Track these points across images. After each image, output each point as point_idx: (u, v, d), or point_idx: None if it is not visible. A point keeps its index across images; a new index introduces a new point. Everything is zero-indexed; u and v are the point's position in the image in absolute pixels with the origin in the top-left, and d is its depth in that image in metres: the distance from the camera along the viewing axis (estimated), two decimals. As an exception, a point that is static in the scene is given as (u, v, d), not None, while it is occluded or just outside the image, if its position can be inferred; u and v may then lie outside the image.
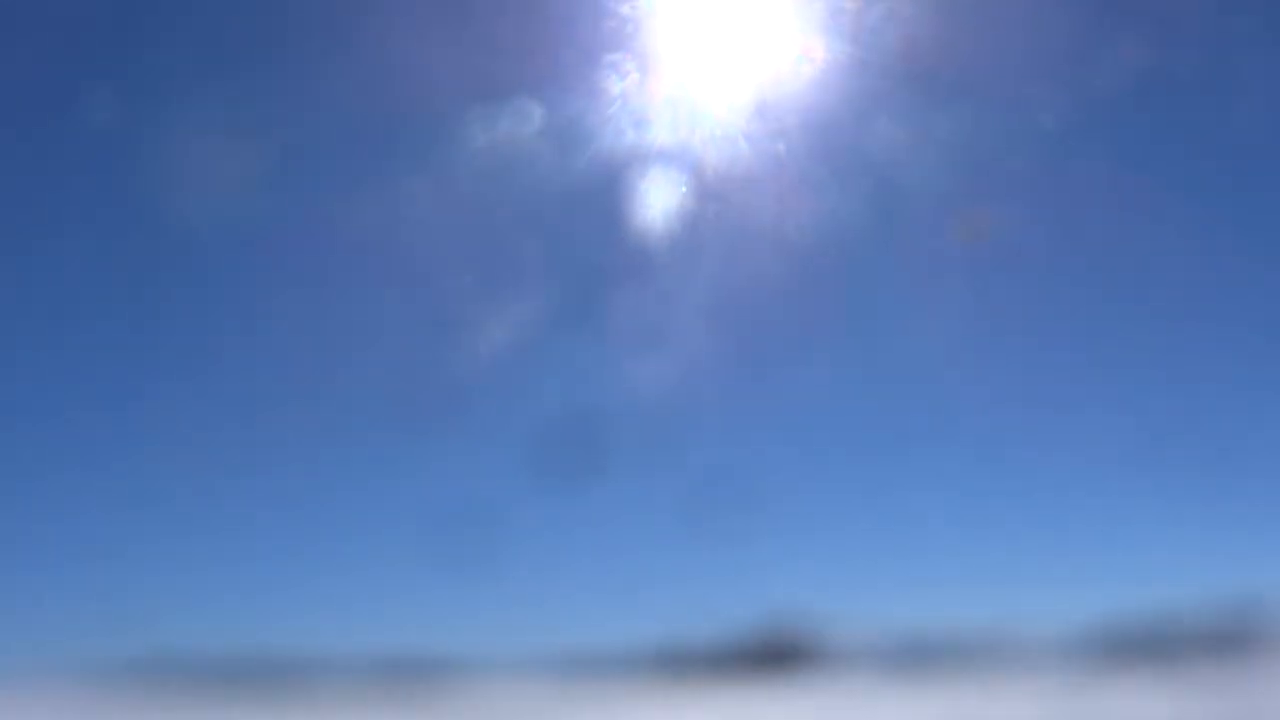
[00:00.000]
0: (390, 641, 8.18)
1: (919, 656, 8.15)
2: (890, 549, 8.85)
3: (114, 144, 7.36)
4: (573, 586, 8.88)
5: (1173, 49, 6.59)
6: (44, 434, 8.69)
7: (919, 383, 8.26)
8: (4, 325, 8.41)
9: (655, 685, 7.80)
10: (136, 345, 8.67)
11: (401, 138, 7.03)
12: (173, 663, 7.61)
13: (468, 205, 6.81)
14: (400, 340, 7.94)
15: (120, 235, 8.03)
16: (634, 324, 7.18)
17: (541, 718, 7.75)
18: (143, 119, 6.96)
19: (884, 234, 7.07)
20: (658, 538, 8.59)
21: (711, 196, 6.18)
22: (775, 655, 8.01)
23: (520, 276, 7.33)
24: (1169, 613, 7.81)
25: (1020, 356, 8.56)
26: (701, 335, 7.29)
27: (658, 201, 6.13)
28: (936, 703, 7.68)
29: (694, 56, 5.89)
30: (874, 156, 6.39)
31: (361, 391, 8.09)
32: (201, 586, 8.62)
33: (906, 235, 7.23)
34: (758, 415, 8.57)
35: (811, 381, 8.28)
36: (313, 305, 7.93)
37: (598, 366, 7.86)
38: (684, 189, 6.11)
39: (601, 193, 6.33)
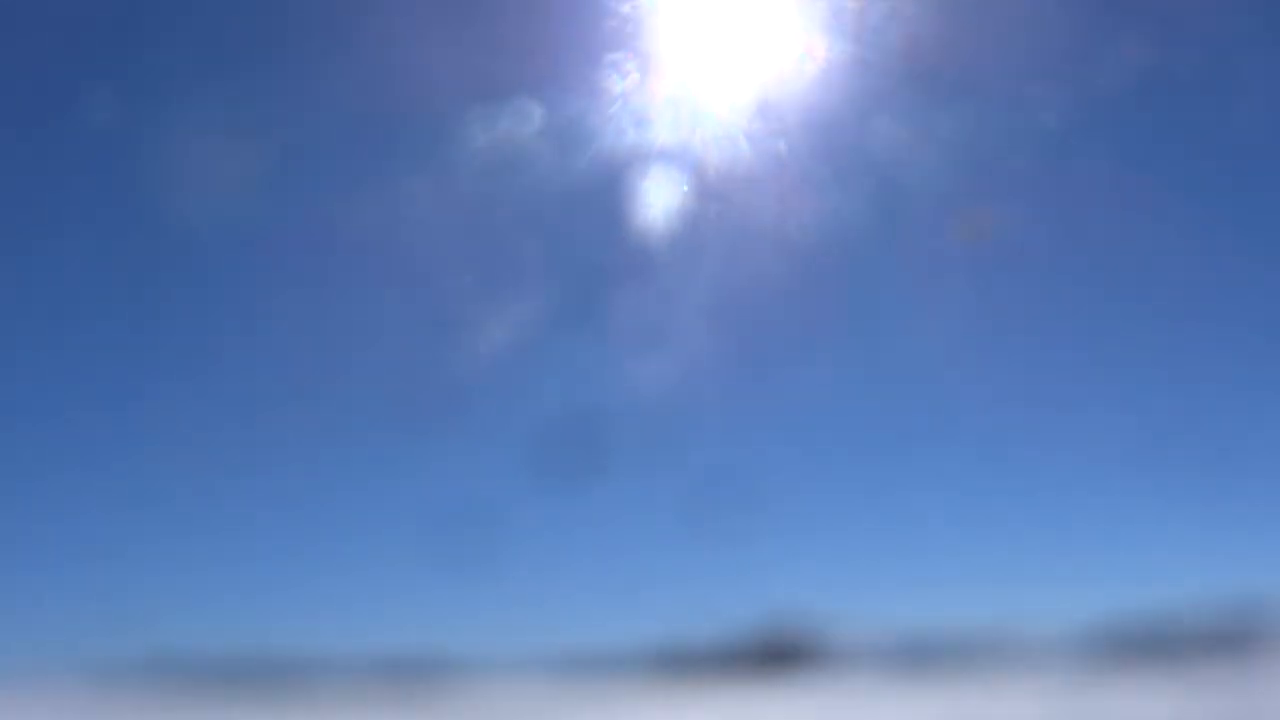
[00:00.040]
0: (391, 641, 8.20)
1: (921, 656, 8.15)
2: (892, 549, 8.87)
3: (114, 144, 7.36)
4: (574, 586, 8.90)
5: (1173, 49, 6.59)
6: (44, 434, 8.69)
7: (921, 382, 8.26)
8: (4, 325, 8.41)
9: (657, 685, 7.81)
10: (136, 345, 8.67)
11: (401, 138, 7.04)
12: (173, 663, 7.62)
13: (468, 205, 6.81)
14: (400, 340, 7.94)
15: (120, 235, 8.03)
16: (635, 324, 7.18)
17: (543, 718, 7.75)
18: (143, 119, 6.96)
19: (885, 233, 7.07)
20: (659, 537, 8.60)
21: (713, 196, 6.18)
22: (777, 655, 8.01)
23: (521, 276, 7.33)
24: (1170, 612, 7.82)
25: (1022, 356, 8.57)
26: (703, 335, 7.29)
27: (659, 201, 6.12)
28: (938, 702, 7.68)
29: (695, 56, 5.88)
30: (875, 156, 6.38)
31: (362, 391, 8.10)
32: (201, 586, 8.63)
33: (908, 234, 7.23)
34: (759, 415, 8.58)
35: (813, 381, 8.28)
36: (313, 305, 7.93)
37: (599, 366, 7.87)
38: (685, 188, 6.10)
39: (602, 192, 6.33)
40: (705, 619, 8.08)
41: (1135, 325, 8.59)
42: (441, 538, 7.74)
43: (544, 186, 6.46)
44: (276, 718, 7.53)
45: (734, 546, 7.88)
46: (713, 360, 7.46)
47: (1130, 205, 7.30)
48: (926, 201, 6.76)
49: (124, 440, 8.73)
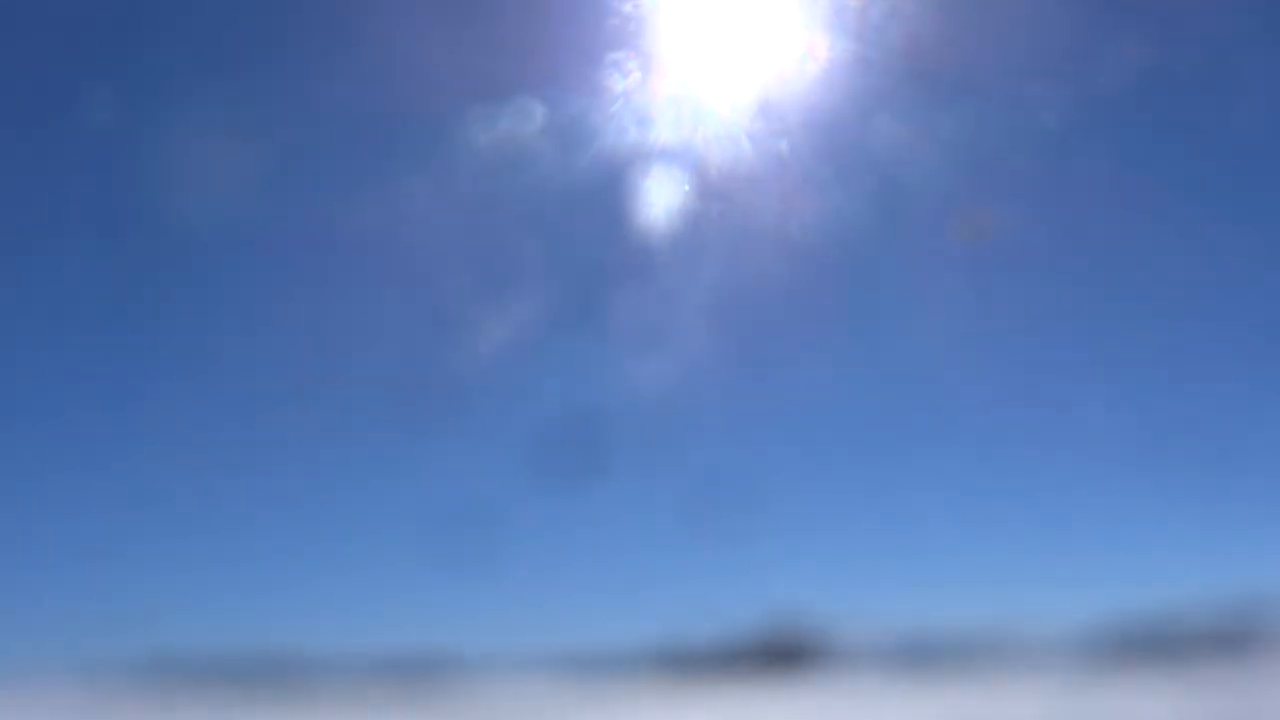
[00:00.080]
0: (392, 641, 8.20)
1: (922, 656, 8.16)
2: (894, 548, 8.87)
3: (114, 144, 7.36)
4: (576, 586, 8.90)
5: (1174, 48, 6.59)
6: (44, 434, 8.69)
7: (921, 382, 8.27)
8: (4, 325, 8.40)
9: (659, 685, 7.81)
10: (136, 345, 8.67)
11: (402, 138, 7.03)
12: (173, 663, 7.62)
13: (470, 205, 6.81)
14: (400, 340, 7.94)
15: (120, 235, 8.02)
16: (636, 323, 7.18)
17: (545, 717, 7.75)
18: (143, 119, 6.96)
19: (886, 233, 7.07)
20: (662, 537, 8.61)
21: (714, 195, 6.18)
22: (779, 655, 8.01)
23: (522, 276, 7.33)
24: (1172, 612, 7.83)
25: (1022, 356, 8.57)
26: (703, 335, 7.29)
27: (660, 200, 6.12)
28: (940, 702, 7.68)
29: (697, 55, 5.88)
30: (876, 155, 6.38)
31: (362, 391, 8.09)
32: (201, 586, 8.62)
33: (909, 234, 7.23)
34: (760, 415, 8.59)
35: (814, 381, 8.29)
36: (313, 305, 7.94)
37: (599, 366, 7.87)
38: (686, 188, 6.10)
39: (604, 192, 6.33)
40: (707, 619, 8.10)
41: (1135, 325, 8.60)
42: (443, 537, 7.75)
43: (545, 186, 6.47)
44: (278, 718, 7.53)
45: (736, 546, 7.89)
46: (714, 360, 7.47)
47: (1130, 205, 7.31)
48: (927, 201, 6.76)
49: (124, 440, 8.73)
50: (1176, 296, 8.38)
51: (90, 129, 7.26)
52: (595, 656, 8.05)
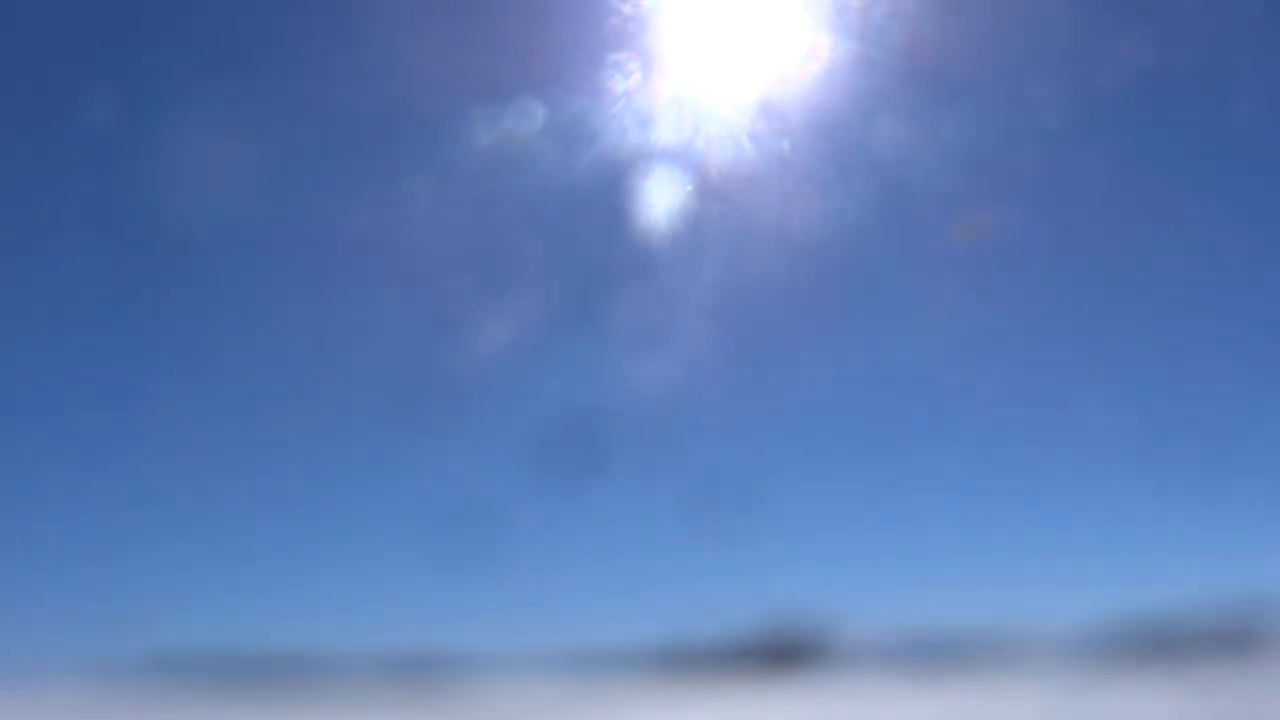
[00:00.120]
0: (394, 640, 8.20)
1: (925, 655, 8.17)
2: (896, 548, 8.88)
3: (114, 144, 7.36)
4: (579, 585, 8.91)
5: (1174, 48, 6.59)
6: (44, 434, 8.69)
7: (923, 382, 8.27)
8: (4, 325, 8.40)
9: (662, 683, 7.81)
10: (136, 345, 8.67)
11: (403, 138, 7.03)
12: (174, 662, 7.62)
13: (471, 205, 6.80)
14: (401, 340, 7.94)
15: (120, 235, 8.02)
16: (637, 324, 7.18)
17: (549, 715, 7.75)
18: (143, 119, 6.96)
19: (887, 233, 7.08)
20: (664, 536, 8.62)
21: (715, 196, 6.17)
22: (782, 653, 8.02)
23: (523, 276, 7.32)
24: (1174, 612, 7.83)
25: (1023, 356, 8.58)
26: (705, 335, 7.29)
27: (662, 201, 6.12)
28: (942, 701, 7.69)
29: (698, 55, 5.88)
30: (877, 155, 6.38)
31: (362, 391, 8.10)
32: (202, 586, 8.63)
33: (909, 234, 7.23)
34: (762, 414, 8.59)
35: (815, 380, 8.29)
36: (313, 305, 7.93)
37: (600, 366, 7.87)
38: (688, 188, 6.10)
39: (605, 192, 6.33)
40: (710, 618, 8.10)
41: (1135, 325, 8.61)
42: (444, 537, 7.75)
43: (546, 186, 6.46)
44: (279, 717, 7.53)
45: (738, 545, 7.90)
46: (714, 360, 7.47)
47: (1130, 205, 7.31)
48: (928, 201, 6.77)
49: (124, 440, 8.73)
50: (1176, 296, 8.39)
51: (90, 129, 7.27)
52: (597, 655, 8.07)
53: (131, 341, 8.66)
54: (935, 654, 8.21)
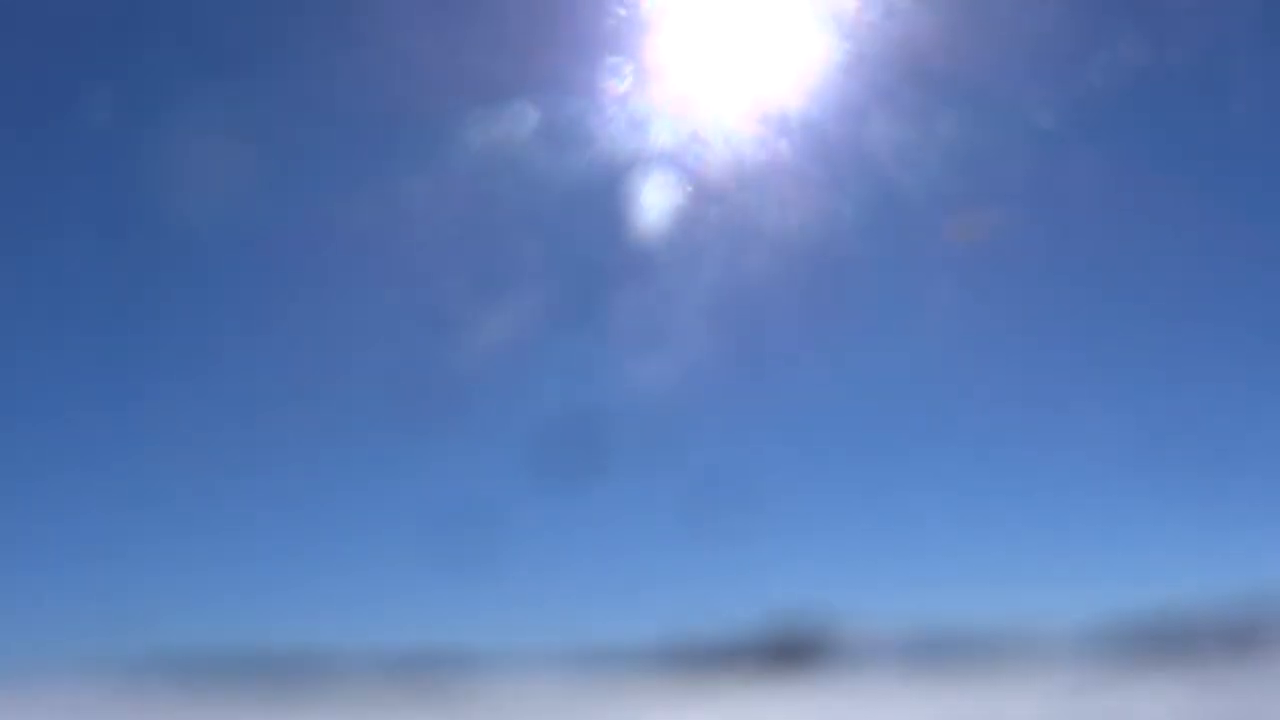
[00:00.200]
0: (396, 639, 8.20)
1: (930, 654, 8.14)
2: (899, 547, 8.86)
3: (114, 144, 7.36)
4: (581, 584, 8.90)
5: (1172, 48, 6.57)
6: (44, 434, 8.70)
7: (922, 382, 8.26)
8: (4, 325, 8.41)
9: (667, 682, 7.80)
10: (136, 345, 8.67)
11: (401, 138, 7.03)
12: (174, 662, 7.62)
13: (468, 205, 6.81)
14: (401, 340, 7.95)
15: (120, 235, 8.02)
16: (635, 324, 7.18)
17: (553, 715, 7.75)
18: (143, 119, 6.97)
19: (885, 233, 7.07)
20: (666, 535, 8.60)
21: (712, 196, 6.17)
22: (787, 652, 8.00)
23: (522, 276, 7.33)
24: (1180, 610, 7.80)
25: (1022, 356, 8.56)
26: (703, 335, 7.28)
27: (658, 202, 6.12)
28: (945, 700, 7.67)
29: (695, 56, 5.87)
30: (875, 156, 6.37)
31: (362, 391, 8.10)
32: (202, 586, 8.63)
33: (907, 235, 7.22)
34: (762, 414, 8.58)
35: (815, 380, 8.28)
36: (313, 305, 7.94)
37: (599, 366, 7.86)
38: (685, 189, 6.10)
39: (602, 193, 6.33)
40: (714, 616, 8.09)
41: (1134, 325, 8.58)
42: (445, 536, 7.76)
43: (545, 187, 6.47)
44: (281, 716, 7.53)
45: (740, 544, 7.89)
46: (713, 360, 7.46)
47: (1128, 205, 7.29)
48: (925, 202, 6.75)
49: (124, 440, 8.74)
50: (1175, 296, 8.37)
51: (90, 129, 7.28)
52: (600, 654, 8.05)
53: (131, 341, 8.67)
54: (938, 653, 8.19)
